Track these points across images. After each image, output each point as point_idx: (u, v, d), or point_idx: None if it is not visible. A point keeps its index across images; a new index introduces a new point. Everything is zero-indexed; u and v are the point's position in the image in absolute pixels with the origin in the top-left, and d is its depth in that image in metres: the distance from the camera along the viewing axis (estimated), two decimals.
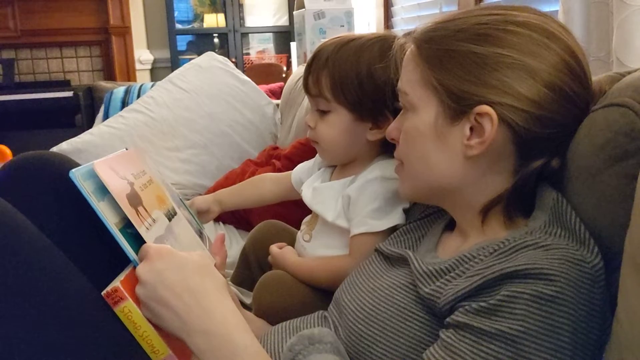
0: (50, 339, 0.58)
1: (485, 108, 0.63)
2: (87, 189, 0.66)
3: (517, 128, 0.63)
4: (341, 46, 0.93)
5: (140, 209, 0.72)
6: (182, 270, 0.65)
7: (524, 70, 0.63)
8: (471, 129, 0.65)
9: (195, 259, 0.68)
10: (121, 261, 0.69)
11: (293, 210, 1.32)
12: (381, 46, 0.92)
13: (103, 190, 0.68)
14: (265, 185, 1.19)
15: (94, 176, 0.68)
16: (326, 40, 0.98)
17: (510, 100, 0.63)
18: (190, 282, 0.65)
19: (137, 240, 0.69)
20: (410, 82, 0.70)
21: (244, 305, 1.01)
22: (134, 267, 0.67)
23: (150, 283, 0.64)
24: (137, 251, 0.68)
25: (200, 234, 0.98)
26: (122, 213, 0.69)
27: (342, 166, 1.02)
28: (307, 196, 1.02)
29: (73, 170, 0.66)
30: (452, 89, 0.65)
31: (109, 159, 0.72)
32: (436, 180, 0.70)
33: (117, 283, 0.65)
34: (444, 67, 0.66)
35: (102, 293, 0.65)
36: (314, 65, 0.96)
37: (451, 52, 0.65)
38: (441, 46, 0.66)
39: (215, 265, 0.86)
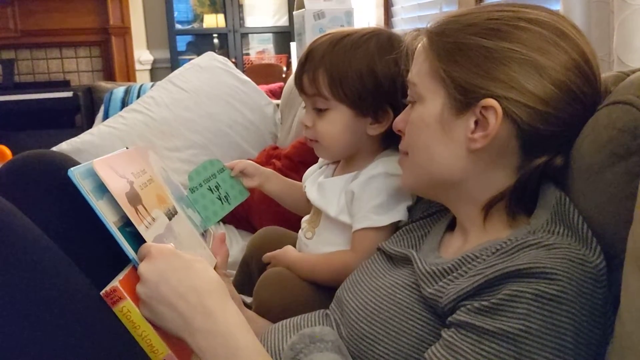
0: (50, 338, 0.58)
1: (490, 101, 0.63)
2: (85, 187, 0.65)
3: (521, 124, 0.63)
4: (336, 43, 0.92)
5: (139, 207, 0.72)
6: (185, 270, 0.65)
7: (531, 66, 0.63)
8: (476, 122, 0.65)
9: (197, 260, 0.68)
10: (122, 260, 0.68)
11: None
12: (377, 41, 0.92)
13: (102, 189, 0.68)
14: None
15: (93, 175, 0.67)
16: (316, 38, 0.97)
17: (516, 95, 0.63)
18: (193, 282, 0.64)
19: (137, 239, 0.69)
20: (420, 73, 0.70)
21: (245, 304, 1.00)
22: (133, 267, 0.67)
23: (152, 282, 0.64)
24: (136, 250, 0.67)
25: (204, 232, 0.98)
26: (121, 212, 0.68)
27: (345, 162, 1.02)
28: (310, 192, 1.02)
29: (72, 168, 0.66)
30: (459, 81, 0.65)
31: (108, 158, 0.72)
32: (438, 172, 0.70)
33: (115, 283, 0.64)
34: (452, 59, 0.66)
35: (101, 293, 0.65)
36: (308, 64, 0.94)
37: (461, 45, 0.66)
38: (451, 39, 0.67)
39: (216, 264, 0.86)
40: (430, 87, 0.69)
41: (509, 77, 0.63)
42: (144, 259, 0.66)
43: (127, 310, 0.65)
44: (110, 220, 0.66)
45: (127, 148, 0.83)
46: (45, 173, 0.78)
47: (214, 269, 0.84)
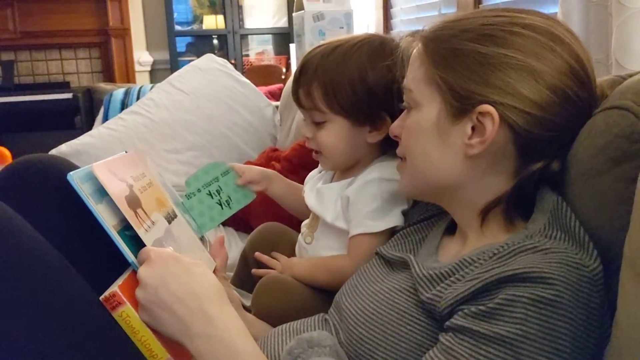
0: (50, 342, 0.58)
1: (487, 107, 0.63)
2: (85, 191, 0.66)
3: (518, 129, 0.64)
4: (328, 55, 0.93)
5: (139, 211, 0.72)
6: (185, 274, 0.65)
7: (527, 71, 0.63)
8: (473, 128, 0.65)
9: (196, 264, 0.68)
10: (122, 264, 0.69)
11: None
12: (369, 48, 0.92)
13: (101, 193, 0.68)
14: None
15: (92, 178, 0.68)
16: (310, 50, 0.97)
17: (512, 100, 0.63)
18: (192, 286, 0.65)
19: (136, 243, 0.69)
20: (415, 79, 0.70)
21: (244, 307, 1.01)
22: (133, 271, 0.67)
23: (151, 286, 0.64)
24: (135, 254, 0.68)
25: (202, 238, 0.98)
26: (121, 215, 0.68)
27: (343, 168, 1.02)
28: (308, 197, 1.02)
29: (71, 172, 0.66)
30: (455, 87, 0.65)
31: (108, 162, 0.72)
32: (436, 178, 0.70)
33: (115, 288, 0.64)
34: (448, 65, 0.66)
35: (100, 298, 0.65)
36: (302, 78, 0.94)
37: (456, 51, 0.66)
38: (447, 45, 0.67)
39: (215, 267, 0.86)
40: (426, 93, 0.69)
41: (505, 83, 0.63)
42: (144, 264, 0.66)
43: (127, 315, 0.65)
44: (109, 224, 0.67)
45: (126, 152, 0.83)
46: (45, 177, 0.78)
47: (213, 272, 0.84)
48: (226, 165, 1.05)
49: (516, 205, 0.67)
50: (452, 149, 0.67)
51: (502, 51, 0.63)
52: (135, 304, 0.65)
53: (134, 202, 0.71)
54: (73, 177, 0.65)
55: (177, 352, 0.67)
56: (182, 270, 0.66)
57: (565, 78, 0.63)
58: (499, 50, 0.63)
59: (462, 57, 0.65)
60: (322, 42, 0.97)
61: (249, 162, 1.93)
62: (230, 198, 1.04)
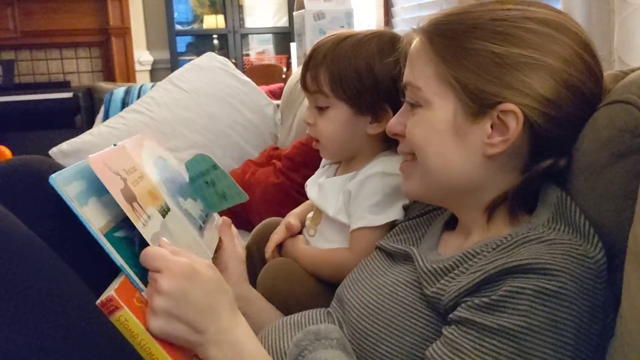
0: (47, 344, 0.56)
1: (510, 106, 0.62)
2: (68, 194, 0.62)
3: (537, 128, 0.62)
4: (338, 42, 0.95)
5: (135, 204, 0.70)
6: (204, 287, 0.64)
7: (544, 70, 0.62)
8: (491, 126, 0.64)
9: (212, 274, 0.66)
10: (117, 267, 0.67)
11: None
12: (378, 41, 0.94)
13: (86, 194, 0.65)
14: None
15: (76, 179, 0.65)
16: (323, 37, 0.99)
17: (531, 101, 0.62)
18: (210, 299, 0.64)
19: (125, 244, 0.66)
20: (423, 76, 0.67)
21: None
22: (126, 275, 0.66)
23: (174, 299, 0.62)
24: (125, 255, 0.65)
25: (206, 216, 0.96)
26: (107, 217, 0.66)
27: (346, 163, 1.03)
28: (310, 191, 1.03)
29: (53, 175, 0.62)
30: (470, 87, 0.63)
31: (102, 154, 0.70)
32: (452, 179, 0.67)
33: (111, 292, 0.61)
34: (461, 64, 0.64)
35: (97, 303, 0.62)
36: (311, 63, 0.96)
37: (469, 50, 0.64)
38: (457, 42, 0.65)
39: (221, 241, 0.90)
40: (438, 92, 0.66)
41: (523, 84, 0.62)
42: (164, 273, 0.63)
43: (125, 320, 0.62)
44: (95, 227, 0.64)
45: (115, 145, 0.81)
46: (37, 179, 0.74)
47: (218, 251, 0.88)
48: (212, 160, 1.00)
49: (521, 201, 0.66)
50: (471, 149, 0.65)
51: (518, 51, 0.62)
52: (133, 307, 0.63)
53: (129, 196, 0.70)
54: (56, 179, 0.62)
55: (177, 356, 0.66)
56: (201, 283, 0.64)
57: (581, 75, 0.63)
58: (515, 50, 0.62)
59: (475, 56, 0.63)
60: (335, 32, 0.99)
61: (249, 161, 1.94)
62: (225, 192, 1.02)
